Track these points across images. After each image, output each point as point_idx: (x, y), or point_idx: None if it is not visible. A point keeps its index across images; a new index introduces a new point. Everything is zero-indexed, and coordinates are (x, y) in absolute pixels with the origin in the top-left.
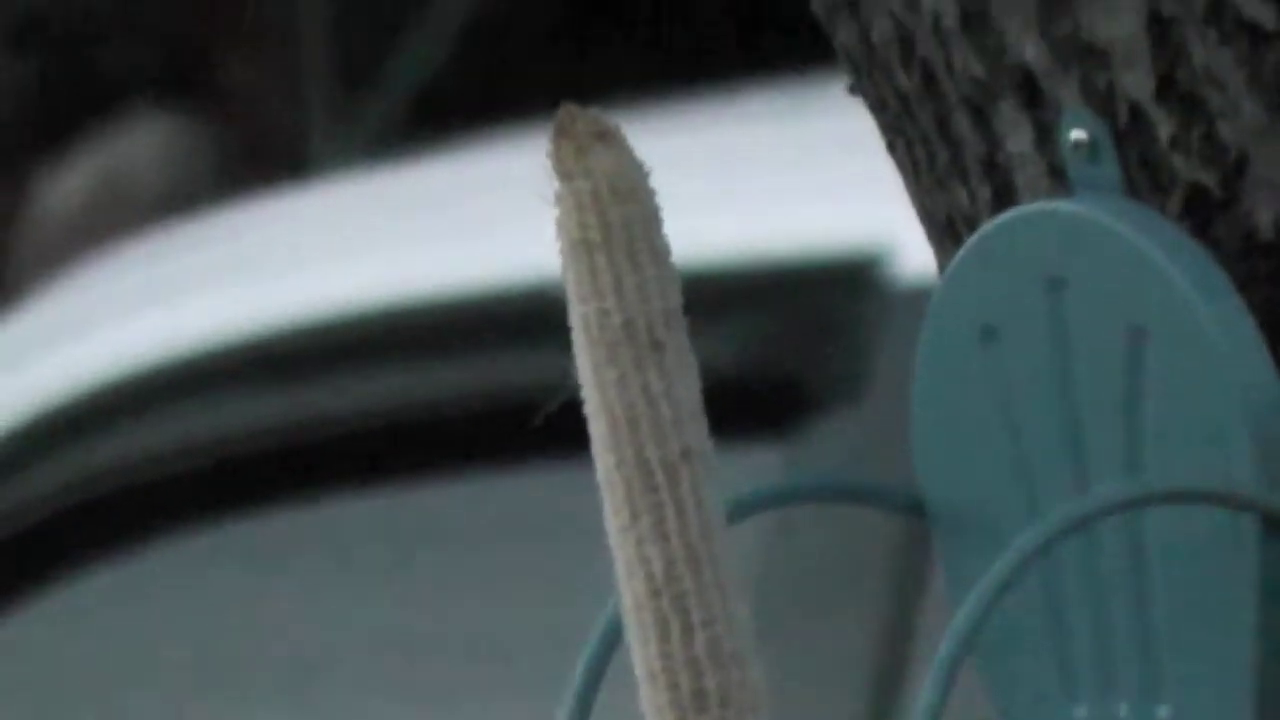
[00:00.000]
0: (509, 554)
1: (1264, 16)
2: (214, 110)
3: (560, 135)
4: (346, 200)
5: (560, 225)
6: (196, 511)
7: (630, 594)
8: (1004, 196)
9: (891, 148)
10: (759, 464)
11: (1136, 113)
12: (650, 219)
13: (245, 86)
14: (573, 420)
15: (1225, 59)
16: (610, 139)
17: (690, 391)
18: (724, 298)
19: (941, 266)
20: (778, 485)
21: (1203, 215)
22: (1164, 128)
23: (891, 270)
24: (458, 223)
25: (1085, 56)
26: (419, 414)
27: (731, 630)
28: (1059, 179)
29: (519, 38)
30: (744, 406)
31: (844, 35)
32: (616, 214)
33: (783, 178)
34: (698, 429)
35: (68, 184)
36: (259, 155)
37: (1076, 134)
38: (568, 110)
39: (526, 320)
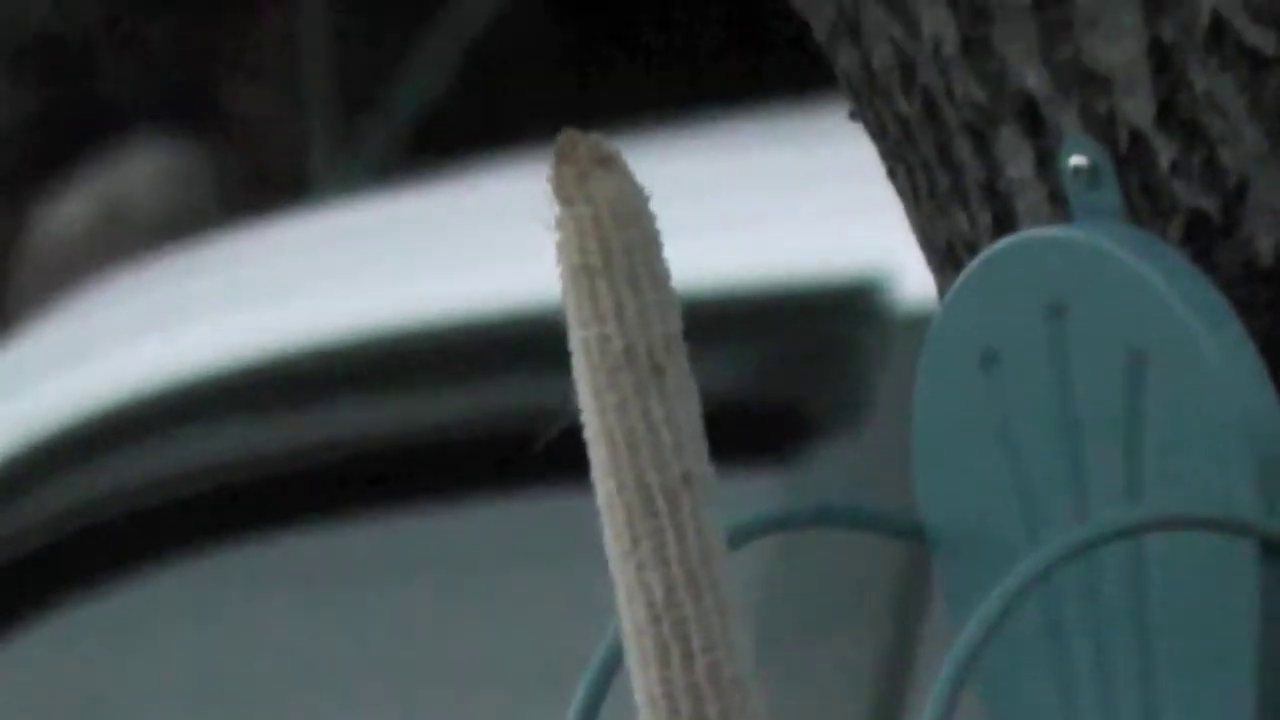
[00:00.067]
0: (509, 579)
1: (1264, 43)
2: (215, 136)
3: (561, 160)
4: (348, 225)
5: (561, 250)
6: (196, 537)
7: (631, 619)
8: (1004, 222)
9: (892, 174)
10: (760, 489)
11: (1137, 139)
12: (651, 244)
13: (246, 112)
14: (573, 445)
15: (1226, 85)
16: (611, 164)
17: (691, 416)
18: (725, 323)
19: (942, 292)
20: (778, 510)
21: (1203, 241)
22: (1165, 154)
23: (892, 295)
24: (459, 248)
25: (1086, 83)
26: (420, 439)
27: (732, 655)
28: (1060, 205)
29: (520, 64)
30: (745, 431)
31: (845, 61)
32: (617, 239)
33: (783, 203)
34: (698, 454)
35: (69, 209)
36: (260, 181)
37: (1077, 160)
38: (569, 136)
39: (527, 345)
